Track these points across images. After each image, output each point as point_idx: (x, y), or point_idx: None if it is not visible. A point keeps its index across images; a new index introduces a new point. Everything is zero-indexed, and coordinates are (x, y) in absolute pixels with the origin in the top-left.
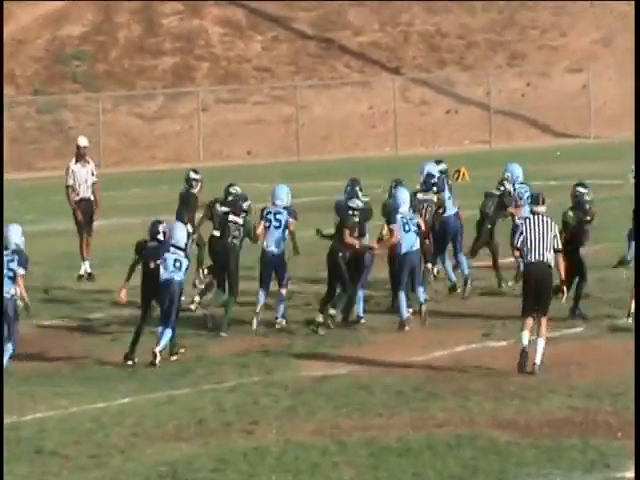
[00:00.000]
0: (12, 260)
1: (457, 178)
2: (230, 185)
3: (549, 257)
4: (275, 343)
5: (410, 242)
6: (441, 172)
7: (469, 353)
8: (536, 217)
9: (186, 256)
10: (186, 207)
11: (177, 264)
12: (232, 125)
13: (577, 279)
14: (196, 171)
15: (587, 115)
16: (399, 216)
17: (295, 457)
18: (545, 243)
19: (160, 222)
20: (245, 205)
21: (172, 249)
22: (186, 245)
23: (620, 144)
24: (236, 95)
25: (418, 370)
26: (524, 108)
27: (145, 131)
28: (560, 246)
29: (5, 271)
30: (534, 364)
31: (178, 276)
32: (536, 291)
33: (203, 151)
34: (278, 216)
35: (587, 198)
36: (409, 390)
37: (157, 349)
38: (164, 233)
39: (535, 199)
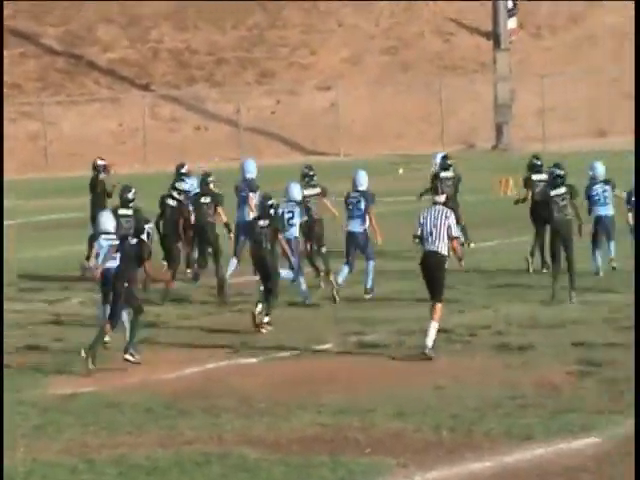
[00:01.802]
0: None
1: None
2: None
3: (442, 246)
4: (24, 361)
5: None
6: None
7: (219, 370)
8: (433, 208)
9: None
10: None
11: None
12: None
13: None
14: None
15: (336, 133)
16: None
17: (43, 476)
18: (440, 233)
19: None
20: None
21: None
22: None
23: (367, 163)
24: None
25: (168, 387)
26: (273, 125)
27: None
28: (455, 233)
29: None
30: (426, 347)
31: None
32: (429, 278)
33: None
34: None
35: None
36: (158, 407)
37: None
38: None
39: (435, 190)
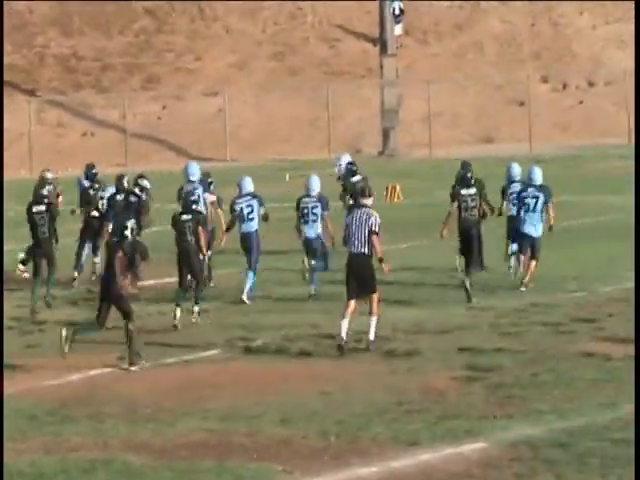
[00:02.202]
0: None
1: None
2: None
3: (366, 249)
4: None
5: None
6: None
7: (104, 376)
8: (358, 210)
9: None
10: None
11: None
12: None
13: None
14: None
15: (223, 138)
16: None
17: None
18: (362, 235)
19: None
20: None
21: None
22: None
23: (255, 168)
24: None
25: (52, 394)
26: (160, 131)
27: None
28: (375, 228)
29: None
30: (369, 340)
31: None
32: (357, 279)
33: None
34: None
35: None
36: (42, 414)
37: None
38: None
39: (361, 191)
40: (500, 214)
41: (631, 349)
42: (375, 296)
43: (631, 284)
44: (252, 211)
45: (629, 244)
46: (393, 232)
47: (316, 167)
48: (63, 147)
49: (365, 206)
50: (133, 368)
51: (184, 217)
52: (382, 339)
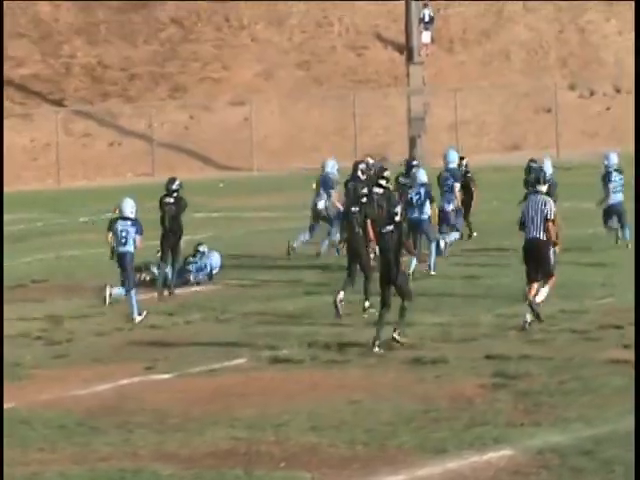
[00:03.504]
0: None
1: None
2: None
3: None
4: None
5: None
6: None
7: (132, 386)
8: (534, 196)
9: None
10: None
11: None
12: None
13: None
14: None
15: (249, 148)
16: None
17: None
18: (538, 221)
19: None
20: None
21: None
22: None
23: (282, 177)
24: None
25: (81, 404)
26: (187, 141)
27: None
28: (551, 215)
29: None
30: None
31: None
32: (534, 262)
33: None
34: None
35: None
36: (71, 424)
37: None
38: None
39: (536, 180)
40: None
41: None
42: (551, 280)
43: None
44: (127, 235)
45: None
46: None
47: (341, 175)
48: (90, 157)
49: (541, 193)
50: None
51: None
52: (409, 347)
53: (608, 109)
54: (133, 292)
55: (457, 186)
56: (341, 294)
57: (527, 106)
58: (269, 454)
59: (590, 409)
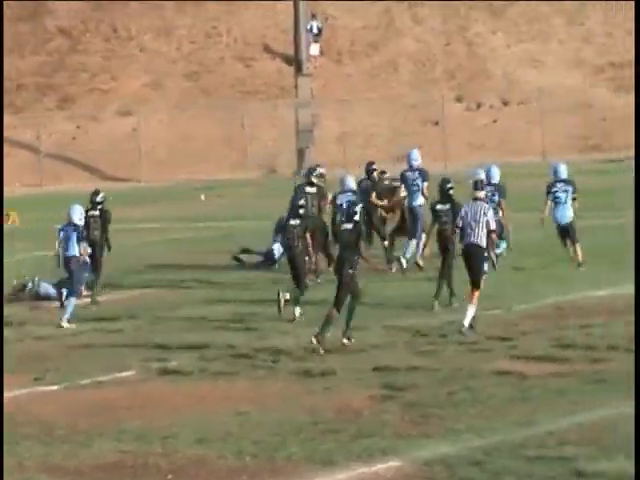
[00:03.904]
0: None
1: (8, 221)
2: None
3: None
4: None
5: None
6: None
7: (19, 398)
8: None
9: None
10: None
11: None
12: None
13: None
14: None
15: (137, 158)
16: None
17: None
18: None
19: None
20: None
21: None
22: None
23: (169, 188)
24: None
25: None
26: (74, 151)
27: None
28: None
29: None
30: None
31: None
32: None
33: None
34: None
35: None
36: None
37: None
38: None
39: (475, 185)
40: None
41: (545, 367)
42: (475, 297)
43: (549, 300)
44: (69, 240)
45: (543, 260)
46: None
47: (231, 187)
48: None
49: (479, 199)
50: None
51: None
52: (297, 359)
53: (495, 121)
54: (74, 298)
55: (426, 185)
56: (286, 295)
57: (415, 118)
58: (156, 466)
59: (479, 420)
